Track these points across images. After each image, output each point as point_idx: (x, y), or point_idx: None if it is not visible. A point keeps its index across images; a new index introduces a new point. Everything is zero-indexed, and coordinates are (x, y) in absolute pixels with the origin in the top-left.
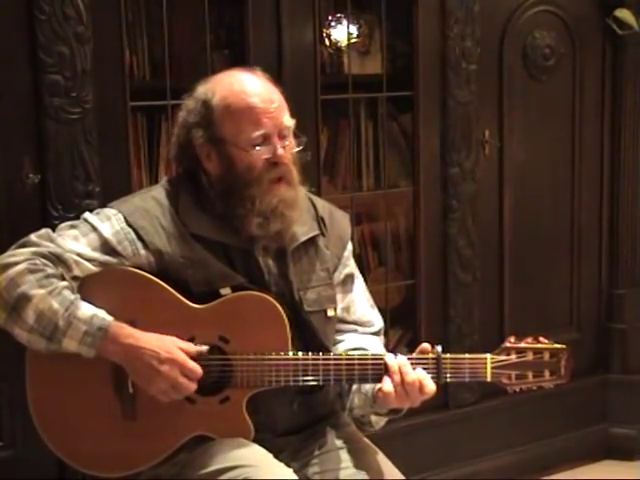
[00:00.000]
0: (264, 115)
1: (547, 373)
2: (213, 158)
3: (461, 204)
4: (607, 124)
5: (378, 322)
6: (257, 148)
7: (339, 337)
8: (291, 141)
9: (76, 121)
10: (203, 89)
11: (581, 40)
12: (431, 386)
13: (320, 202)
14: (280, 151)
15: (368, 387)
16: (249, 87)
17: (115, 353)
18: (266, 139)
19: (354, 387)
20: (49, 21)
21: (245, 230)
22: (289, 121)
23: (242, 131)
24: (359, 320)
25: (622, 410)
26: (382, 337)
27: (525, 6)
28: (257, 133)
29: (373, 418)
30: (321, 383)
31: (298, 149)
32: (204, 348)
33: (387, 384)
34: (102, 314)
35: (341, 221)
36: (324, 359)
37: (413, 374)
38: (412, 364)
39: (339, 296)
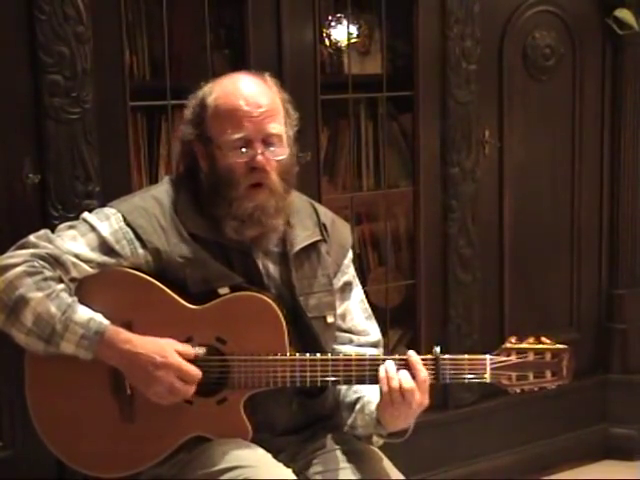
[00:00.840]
0: (246, 118)
1: (548, 374)
2: (204, 156)
3: (461, 204)
4: (607, 124)
5: (375, 333)
6: (236, 151)
7: (337, 347)
8: (279, 149)
9: (76, 121)
10: (205, 88)
11: (581, 40)
12: (409, 384)
13: (322, 209)
14: (259, 157)
15: (373, 408)
16: (241, 89)
17: (112, 357)
18: (247, 143)
19: (357, 406)
20: (49, 21)
21: (224, 232)
22: (275, 128)
23: (223, 132)
24: (354, 329)
25: (622, 410)
26: (381, 349)
27: (525, 6)
28: (236, 136)
29: (374, 438)
30: (319, 384)
31: (280, 158)
32: (202, 350)
33: (384, 386)
34: (99, 318)
35: (342, 229)
36: (321, 360)
37: (411, 382)
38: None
39: (336, 303)
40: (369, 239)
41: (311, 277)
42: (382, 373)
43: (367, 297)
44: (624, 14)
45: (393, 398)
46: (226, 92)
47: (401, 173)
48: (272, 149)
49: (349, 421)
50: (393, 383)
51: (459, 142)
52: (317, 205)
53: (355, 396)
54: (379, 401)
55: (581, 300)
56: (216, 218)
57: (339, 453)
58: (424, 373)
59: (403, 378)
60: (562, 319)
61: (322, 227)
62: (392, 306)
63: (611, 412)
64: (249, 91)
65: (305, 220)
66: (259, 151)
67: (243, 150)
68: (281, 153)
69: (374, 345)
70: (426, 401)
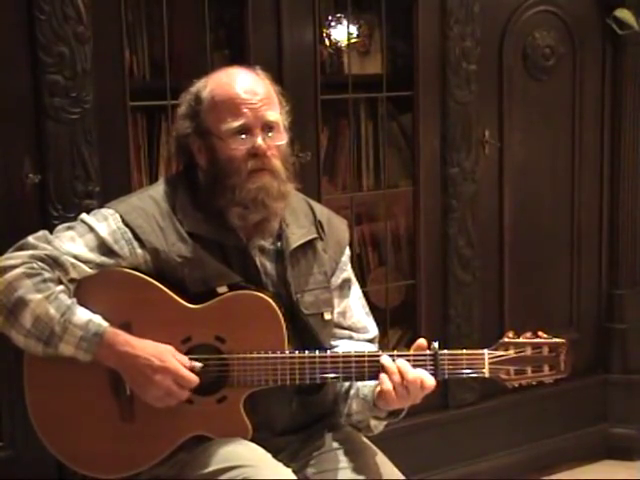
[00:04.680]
0: (244, 106)
1: (546, 368)
2: (202, 151)
3: (461, 204)
4: (607, 124)
5: (373, 329)
6: (236, 138)
7: (333, 342)
8: (277, 135)
9: (76, 121)
10: (199, 83)
11: (581, 40)
12: (430, 381)
13: (318, 207)
14: (259, 143)
15: (367, 391)
16: (236, 80)
17: (111, 359)
18: (247, 130)
19: (352, 392)
20: (49, 21)
21: (228, 222)
22: (273, 116)
23: (223, 121)
24: (354, 326)
25: (622, 410)
26: (376, 345)
27: (525, 6)
28: (236, 123)
29: (372, 423)
30: (318, 381)
31: (281, 143)
32: (198, 364)
33: (386, 383)
34: (98, 320)
35: (339, 226)
36: (320, 357)
37: (413, 372)
38: (409, 362)
39: (336, 301)
40: (369, 239)
41: (307, 274)
42: (392, 367)
43: (367, 297)
44: (624, 14)
45: (398, 391)
46: (221, 84)
47: (401, 173)
48: (271, 135)
49: (345, 410)
50: (395, 378)
51: (459, 142)
52: (313, 203)
53: (348, 383)
54: (381, 389)
55: (581, 300)
56: (217, 210)
57: (338, 452)
58: (431, 383)
59: (405, 372)
60: (562, 319)
61: (318, 225)
62: (392, 306)
63: (611, 412)
64: (245, 81)
65: (301, 218)
66: (259, 137)
67: (243, 137)
68: (280, 138)
69: (371, 341)
70: (432, 382)
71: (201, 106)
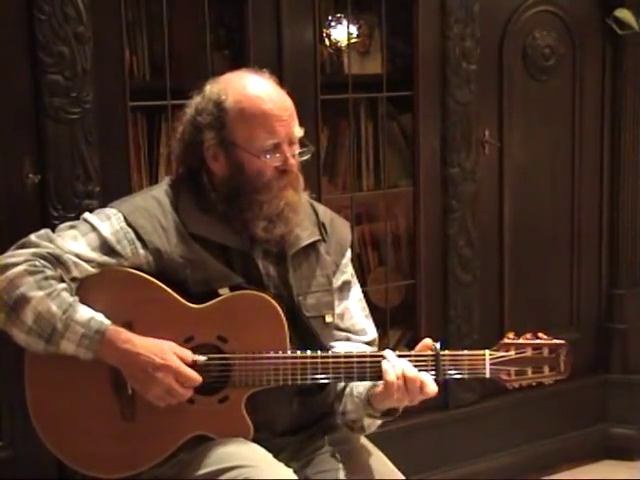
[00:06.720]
0: (278, 123)
1: (546, 369)
2: (220, 160)
3: (461, 204)
4: (607, 124)
5: (371, 332)
6: (268, 156)
7: (333, 344)
8: (300, 149)
9: (76, 121)
10: (214, 89)
11: (581, 40)
12: (432, 386)
13: (321, 208)
14: (292, 161)
15: (362, 389)
16: (263, 92)
17: (112, 357)
18: (277, 147)
19: (347, 391)
20: (49, 21)
21: (249, 233)
22: (299, 132)
23: (255, 138)
24: (352, 328)
25: (622, 410)
26: (375, 348)
27: (525, 6)
28: (270, 141)
29: (366, 422)
30: (320, 382)
31: (305, 158)
32: (202, 358)
33: (390, 374)
34: (100, 317)
35: (341, 228)
36: (322, 357)
37: (413, 371)
38: (410, 362)
39: (335, 302)
40: (369, 239)
41: (309, 277)
42: (385, 365)
43: (367, 297)
44: (624, 14)
45: (398, 385)
46: (248, 95)
47: (401, 173)
48: (297, 151)
49: (340, 408)
50: (397, 370)
51: (459, 142)
52: (316, 204)
53: (343, 383)
54: (382, 391)
55: (581, 300)
56: (230, 219)
57: (339, 453)
58: (432, 389)
59: (405, 368)
60: (562, 319)
61: (321, 227)
62: (392, 306)
63: (611, 412)
64: (272, 94)
65: (304, 220)
66: (288, 154)
67: (274, 154)
68: (306, 153)
69: (370, 344)
70: (434, 388)
71: (226, 117)
